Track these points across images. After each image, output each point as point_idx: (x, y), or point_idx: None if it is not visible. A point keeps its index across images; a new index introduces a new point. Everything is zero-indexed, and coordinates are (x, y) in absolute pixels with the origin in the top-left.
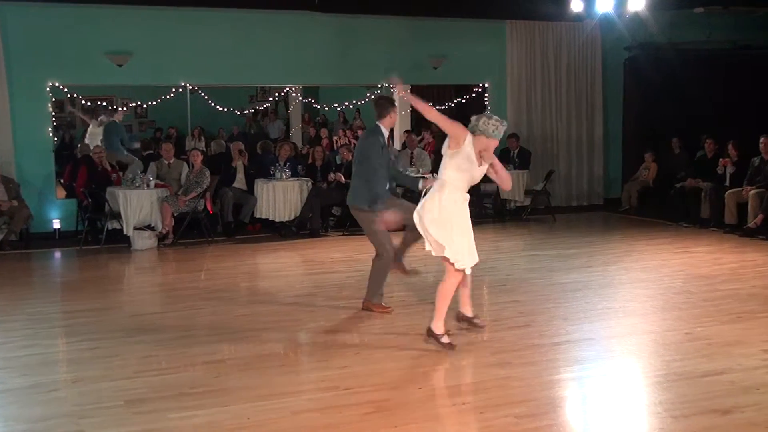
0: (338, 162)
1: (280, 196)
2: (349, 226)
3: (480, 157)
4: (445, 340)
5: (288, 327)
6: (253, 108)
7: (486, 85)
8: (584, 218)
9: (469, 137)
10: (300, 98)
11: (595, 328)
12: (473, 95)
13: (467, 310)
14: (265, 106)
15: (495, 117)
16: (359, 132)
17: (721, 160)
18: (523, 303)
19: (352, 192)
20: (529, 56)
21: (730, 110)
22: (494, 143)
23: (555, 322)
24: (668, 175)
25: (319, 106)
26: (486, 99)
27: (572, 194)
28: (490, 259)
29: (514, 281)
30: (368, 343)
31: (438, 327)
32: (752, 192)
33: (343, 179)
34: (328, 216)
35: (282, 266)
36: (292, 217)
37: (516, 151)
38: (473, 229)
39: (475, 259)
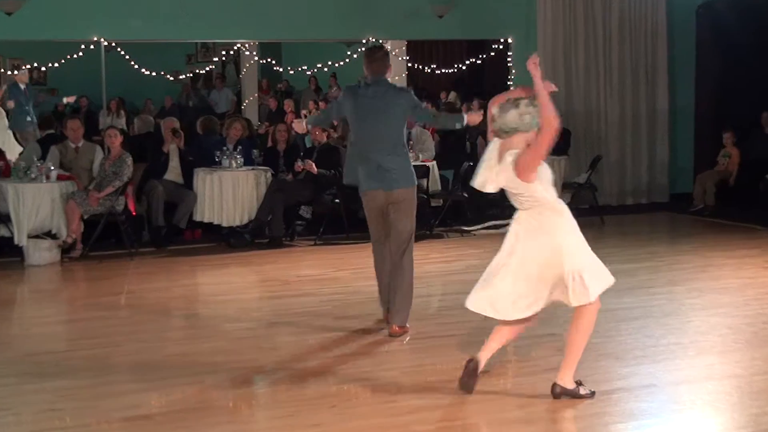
0: (308, 145)
1: (229, 192)
2: (322, 232)
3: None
4: (582, 391)
5: (239, 370)
6: (191, 72)
7: (509, 41)
8: (643, 221)
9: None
10: (256, 58)
11: (658, 370)
12: (491, 54)
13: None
14: (208, 69)
15: (518, 103)
16: None
17: None
18: (560, 337)
19: (395, 175)
20: (568, 2)
21: None
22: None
23: (604, 363)
24: (756, 163)
25: (281, 70)
26: (509, 60)
27: (626, 189)
28: None
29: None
30: (348, 391)
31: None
32: None
33: (315, 169)
34: (294, 219)
35: (231, 287)
36: (246, 221)
37: None
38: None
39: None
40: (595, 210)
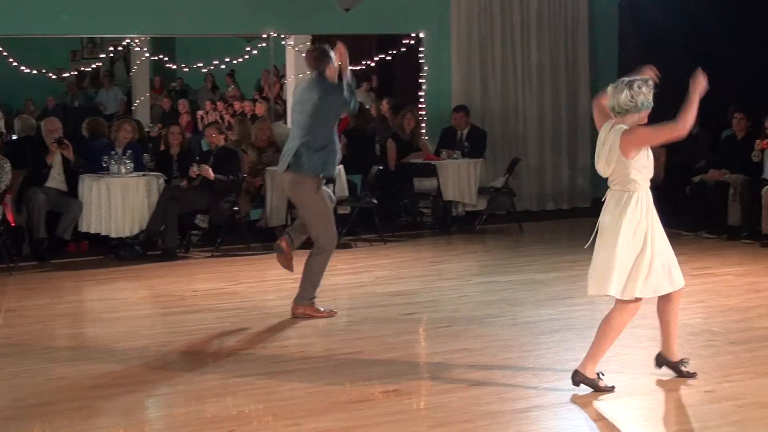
0: (204, 149)
1: (118, 200)
2: (220, 243)
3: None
4: (602, 384)
5: (130, 394)
6: (76, 69)
7: (421, 36)
8: (564, 227)
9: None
10: (147, 55)
11: (579, 386)
12: (402, 50)
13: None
14: (95, 66)
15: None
16: (236, 104)
17: (757, 142)
18: (474, 352)
19: (292, 158)
20: None
21: None
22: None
23: (521, 379)
24: (683, 165)
25: (175, 67)
26: (420, 56)
27: (547, 193)
28: (429, 288)
29: (463, 321)
30: (249, 414)
31: (590, 370)
32: None
33: (212, 174)
34: (189, 228)
35: (121, 304)
36: (136, 231)
37: (465, 132)
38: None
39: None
40: (514, 216)
